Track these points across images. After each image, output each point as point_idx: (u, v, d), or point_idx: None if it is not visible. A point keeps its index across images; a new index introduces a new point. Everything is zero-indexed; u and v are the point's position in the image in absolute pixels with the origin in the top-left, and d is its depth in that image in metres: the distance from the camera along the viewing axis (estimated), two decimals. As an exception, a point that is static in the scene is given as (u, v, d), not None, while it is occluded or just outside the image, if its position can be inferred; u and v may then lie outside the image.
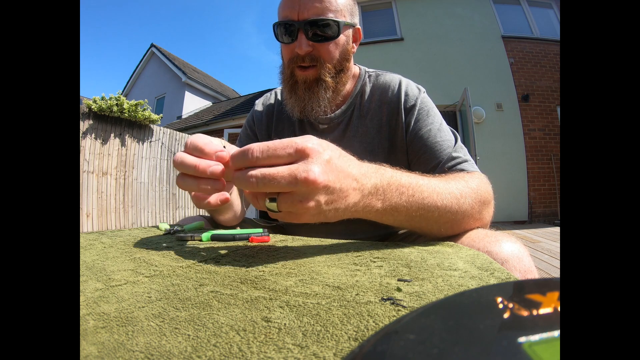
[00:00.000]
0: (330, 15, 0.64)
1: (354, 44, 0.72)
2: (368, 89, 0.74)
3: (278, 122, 0.81)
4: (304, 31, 0.64)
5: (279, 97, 0.84)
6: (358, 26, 0.71)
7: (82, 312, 0.23)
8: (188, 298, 0.26)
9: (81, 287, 0.29)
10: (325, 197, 0.34)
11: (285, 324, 0.21)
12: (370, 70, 0.79)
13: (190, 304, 0.25)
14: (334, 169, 0.35)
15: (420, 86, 0.74)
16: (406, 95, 0.70)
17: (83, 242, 0.49)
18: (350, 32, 0.70)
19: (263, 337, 0.19)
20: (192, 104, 10.76)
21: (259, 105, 0.86)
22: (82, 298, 0.26)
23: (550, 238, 3.58)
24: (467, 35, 5.95)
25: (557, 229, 4.32)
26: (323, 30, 0.64)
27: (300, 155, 0.34)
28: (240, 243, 0.47)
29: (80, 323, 0.22)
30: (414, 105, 0.69)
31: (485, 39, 5.91)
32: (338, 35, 0.65)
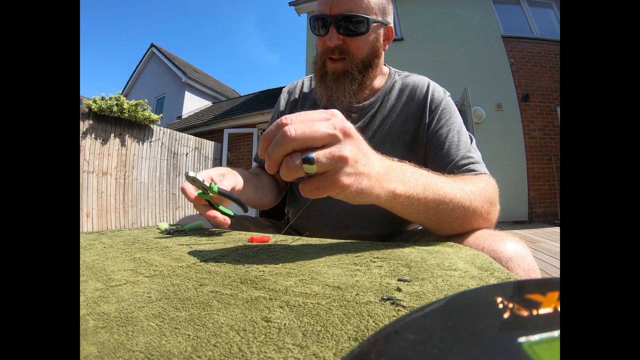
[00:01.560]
0: (361, 12, 0.67)
1: (385, 42, 0.75)
2: (398, 86, 0.79)
3: (302, 108, 0.84)
4: (335, 25, 0.67)
5: (305, 85, 0.89)
6: (390, 25, 0.74)
7: (82, 312, 0.23)
8: (188, 298, 0.26)
9: (81, 287, 0.29)
10: (358, 152, 0.35)
11: (285, 324, 0.21)
12: (400, 70, 0.84)
13: (190, 304, 0.25)
14: (358, 133, 0.38)
15: (446, 90, 0.78)
16: (432, 96, 0.74)
17: (83, 242, 0.49)
18: (381, 30, 0.72)
19: (263, 337, 0.19)
20: (192, 104, 10.75)
21: (284, 93, 0.91)
22: (82, 298, 0.26)
23: (550, 238, 3.58)
24: (467, 35, 5.95)
25: (557, 229, 4.32)
26: (353, 25, 0.67)
27: (329, 114, 0.36)
28: (240, 243, 0.47)
29: (80, 323, 0.22)
30: (438, 106, 0.73)
31: (485, 39, 5.91)
32: (367, 31, 0.68)
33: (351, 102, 0.73)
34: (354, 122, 0.78)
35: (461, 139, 0.69)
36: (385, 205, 0.42)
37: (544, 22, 6.15)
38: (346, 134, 0.34)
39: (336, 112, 0.36)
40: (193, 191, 0.56)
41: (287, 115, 0.34)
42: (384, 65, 0.82)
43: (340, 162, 0.33)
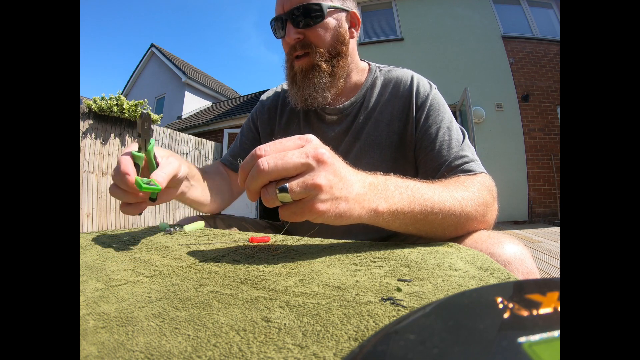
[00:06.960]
0: (314, 0, 0.65)
1: (352, 29, 0.72)
2: (379, 82, 0.75)
3: (282, 115, 0.82)
4: (291, 21, 0.66)
5: (284, 91, 0.85)
6: (353, 11, 0.71)
7: (82, 312, 0.23)
8: (188, 298, 0.26)
9: (81, 287, 0.29)
10: (333, 177, 0.35)
11: (285, 324, 0.21)
12: (382, 65, 0.79)
13: (190, 304, 0.25)
14: (334, 154, 0.38)
15: (431, 82, 0.74)
16: (417, 90, 0.70)
17: (83, 242, 0.49)
18: (342, 16, 0.69)
19: (263, 337, 0.19)
20: (192, 104, 10.75)
21: (263, 98, 0.87)
22: (82, 298, 0.26)
23: (550, 238, 3.58)
24: (467, 35, 5.95)
25: (557, 229, 4.32)
26: (308, 15, 0.65)
27: (303, 141, 0.36)
28: (240, 243, 0.47)
29: (80, 323, 0.22)
30: (425, 102, 0.69)
31: (485, 39, 5.91)
32: (324, 18, 0.66)
33: (326, 99, 0.69)
34: (333, 126, 0.75)
35: (452, 136, 0.65)
36: (370, 223, 0.41)
37: (544, 22, 6.15)
38: (319, 161, 0.34)
39: (310, 138, 0.37)
40: (132, 170, 0.47)
41: (261, 146, 0.35)
42: (363, 60, 0.78)
43: (314, 190, 0.34)
